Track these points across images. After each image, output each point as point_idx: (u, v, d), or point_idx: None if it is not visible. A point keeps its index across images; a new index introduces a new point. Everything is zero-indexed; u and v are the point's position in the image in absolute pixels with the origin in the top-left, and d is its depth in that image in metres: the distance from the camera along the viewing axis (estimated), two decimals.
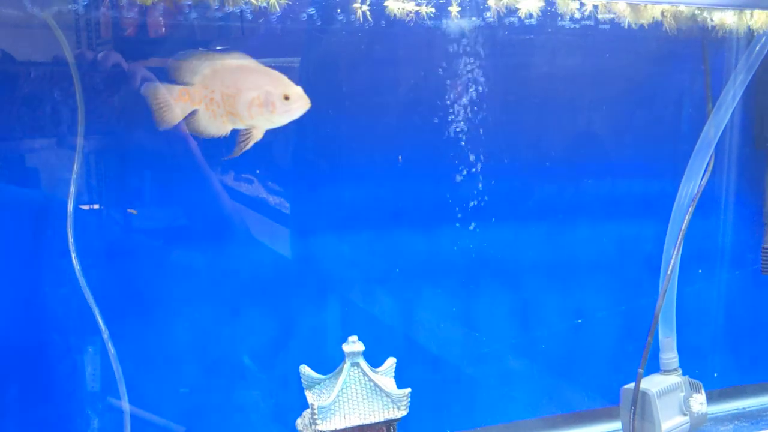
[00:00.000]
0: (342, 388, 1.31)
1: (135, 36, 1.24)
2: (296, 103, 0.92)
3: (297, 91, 0.92)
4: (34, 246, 1.25)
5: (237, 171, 1.44)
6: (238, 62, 0.93)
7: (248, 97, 0.90)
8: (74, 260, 1.20)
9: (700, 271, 1.79)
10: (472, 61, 1.52)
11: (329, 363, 1.35)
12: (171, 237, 1.39)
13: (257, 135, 0.95)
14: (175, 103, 0.94)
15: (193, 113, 0.93)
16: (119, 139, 1.28)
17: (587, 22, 1.38)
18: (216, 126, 0.93)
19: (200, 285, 1.42)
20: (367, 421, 1.30)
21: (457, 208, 1.61)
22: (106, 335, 1.25)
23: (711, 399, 1.78)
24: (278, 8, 1.09)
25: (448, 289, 1.65)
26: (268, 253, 1.49)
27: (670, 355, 1.63)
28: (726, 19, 1.48)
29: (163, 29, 1.23)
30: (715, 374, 1.83)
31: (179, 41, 1.29)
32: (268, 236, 1.50)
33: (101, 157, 1.28)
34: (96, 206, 1.28)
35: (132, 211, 1.24)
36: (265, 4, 1.03)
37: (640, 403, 1.56)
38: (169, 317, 1.39)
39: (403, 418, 1.40)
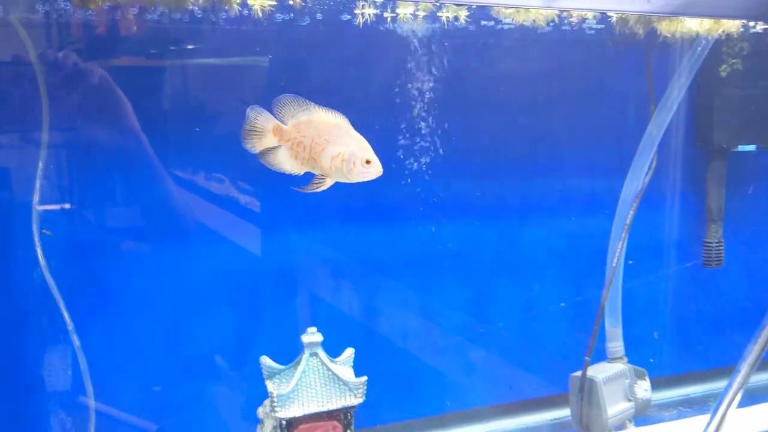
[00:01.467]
0: (300, 377, 1.36)
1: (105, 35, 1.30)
2: (373, 169, 1.04)
3: (376, 159, 1.03)
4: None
5: (208, 171, 1.49)
6: (334, 119, 1.04)
7: (335, 152, 1.01)
8: (40, 255, 1.25)
9: (630, 262, 1.82)
10: (427, 67, 1.58)
11: (293, 354, 1.41)
12: (135, 233, 1.43)
13: (329, 183, 1.06)
14: (267, 134, 1.05)
15: (275, 148, 1.03)
16: (82, 136, 1.33)
17: (540, 27, 1.45)
18: (292, 165, 1.04)
19: (167, 280, 1.46)
20: (325, 408, 1.36)
21: (417, 205, 1.67)
22: (71, 327, 1.29)
23: (657, 386, 1.86)
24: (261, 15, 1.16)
25: (408, 283, 1.70)
26: (233, 249, 1.53)
27: (615, 344, 1.72)
28: (669, 25, 1.56)
29: (134, 28, 1.30)
30: (651, 360, 1.89)
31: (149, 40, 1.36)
32: (233, 232, 1.53)
33: (65, 154, 1.32)
34: (62, 204, 1.32)
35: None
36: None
37: (588, 390, 1.64)
38: (135, 309, 1.43)
39: (364, 406, 1.46)
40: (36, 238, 1.25)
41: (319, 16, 1.31)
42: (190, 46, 1.44)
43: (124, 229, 1.42)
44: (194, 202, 1.48)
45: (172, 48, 1.40)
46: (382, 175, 1.57)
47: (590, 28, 1.53)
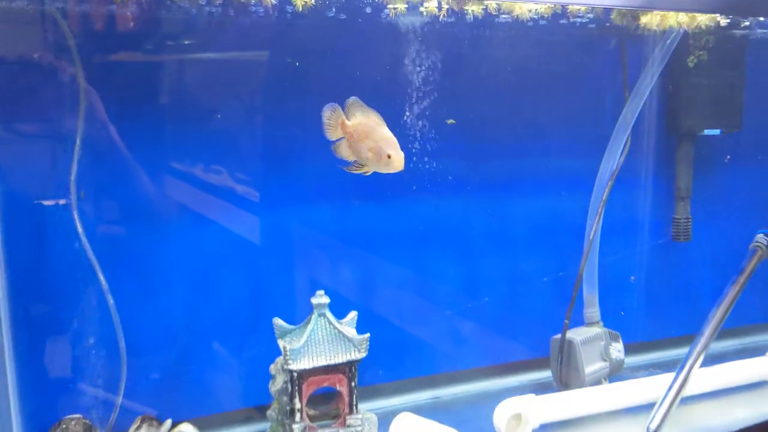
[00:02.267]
0: (310, 335, 1.51)
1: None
2: (395, 163, 1.25)
3: (397, 156, 1.24)
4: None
5: (225, 150, 1.62)
6: (375, 119, 1.28)
7: (369, 145, 1.25)
8: (78, 226, 1.40)
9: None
10: (420, 56, 1.72)
11: (300, 319, 1.56)
12: (159, 208, 1.56)
13: (368, 170, 1.30)
14: (336, 126, 1.30)
15: (341, 139, 1.28)
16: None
17: (527, 19, 1.59)
18: (347, 154, 1.28)
19: (189, 249, 1.59)
20: (332, 362, 1.51)
21: (412, 184, 1.78)
22: (105, 287, 1.44)
23: (631, 351, 2.02)
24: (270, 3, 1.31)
25: (404, 255, 1.82)
26: (248, 222, 1.65)
27: (592, 310, 1.87)
28: (643, 18, 1.72)
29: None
30: (622, 312, 2.04)
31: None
32: (248, 208, 1.65)
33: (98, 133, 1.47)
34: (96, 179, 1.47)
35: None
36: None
37: (567, 350, 1.80)
38: (161, 275, 1.57)
39: (363, 368, 1.60)
40: (74, 208, 1.40)
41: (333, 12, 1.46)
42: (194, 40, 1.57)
43: (150, 205, 1.55)
44: (213, 182, 1.61)
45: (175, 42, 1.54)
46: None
47: (573, 22, 1.67)
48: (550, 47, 1.85)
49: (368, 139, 1.25)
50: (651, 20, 1.71)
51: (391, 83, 1.70)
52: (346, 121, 1.29)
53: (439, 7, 1.51)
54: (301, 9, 1.39)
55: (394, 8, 1.50)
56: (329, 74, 1.66)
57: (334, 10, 1.49)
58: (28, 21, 1.39)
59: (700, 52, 1.89)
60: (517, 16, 1.56)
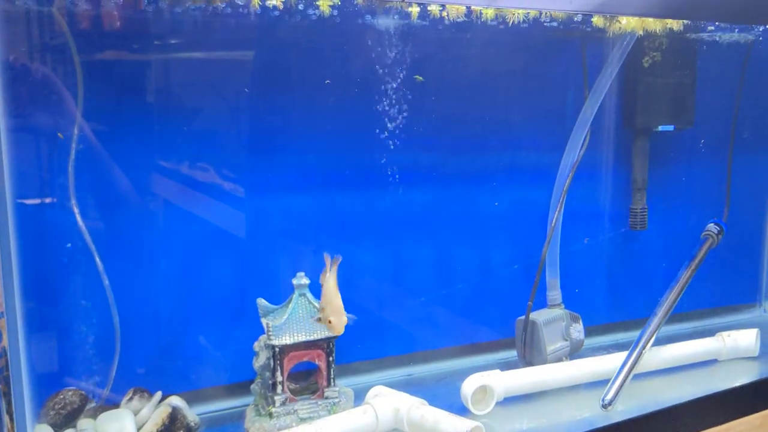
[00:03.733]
0: (291, 313, 1.63)
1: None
2: (333, 328, 1.51)
3: (337, 324, 1.50)
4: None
5: (213, 142, 1.73)
6: (333, 287, 1.54)
7: (322, 305, 1.55)
8: (75, 209, 1.50)
9: (586, 240, 2.16)
10: (395, 54, 1.84)
11: (282, 300, 1.67)
12: (154, 196, 1.67)
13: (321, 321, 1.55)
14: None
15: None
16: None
17: (493, 23, 1.72)
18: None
19: (179, 234, 1.69)
20: (312, 338, 1.62)
21: (389, 175, 1.89)
22: (101, 268, 1.55)
23: (592, 333, 2.16)
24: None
25: (381, 242, 1.93)
26: (231, 211, 1.75)
27: (554, 293, 2.00)
28: (600, 22, 1.85)
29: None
30: (579, 300, 2.13)
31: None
32: (232, 198, 1.75)
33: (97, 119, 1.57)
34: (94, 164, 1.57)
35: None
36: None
37: (530, 330, 1.93)
38: (152, 257, 1.67)
39: (343, 347, 1.73)
40: (72, 191, 1.50)
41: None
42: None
43: (143, 190, 1.66)
44: (201, 171, 1.72)
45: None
46: (362, 146, 1.86)
47: (538, 23, 1.80)
48: (516, 47, 1.97)
49: (325, 298, 1.53)
50: (609, 25, 1.84)
51: (367, 79, 1.82)
52: (327, 273, 1.56)
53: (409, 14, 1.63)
54: (282, 8, 1.51)
55: (372, 12, 1.63)
56: (310, 69, 1.77)
57: (315, 12, 1.60)
58: (27, 18, 1.49)
59: (655, 53, 2.03)
60: (486, 18, 1.69)
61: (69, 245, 1.54)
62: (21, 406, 1.18)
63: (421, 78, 1.80)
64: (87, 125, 1.54)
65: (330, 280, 1.54)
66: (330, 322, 1.50)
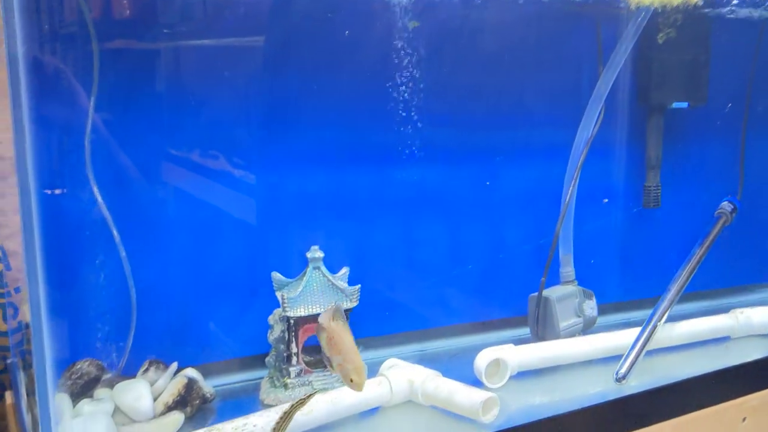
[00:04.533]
0: (306, 285, 1.63)
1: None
2: (354, 386, 1.35)
3: (358, 381, 1.34)
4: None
5: (229, 115, 1.73)
6: (348, 339, 1.37)
7: (338, 361, 1.37)
8: (93, 185, 1.52)
9: (605, 200, 2.16)
10: (412, 31, 1.84)
11: (296, 274, 1.67)
12: (170, 171, 1.68)
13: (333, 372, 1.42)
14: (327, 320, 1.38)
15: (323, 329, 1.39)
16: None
17: None
18: (323, 346, 1.40)
19: (195, 207, 1.70)
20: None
21: (402, 151, 1.89)
22: (117, 240, 1.56)
23: (604, 311, 2.16)
24: None
25: (395, 218, 1.93)
26: (244, 184, 1.75)
27: (567, 269, 2.01)
28: None
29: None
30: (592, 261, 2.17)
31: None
32: (246, 170, 1.76)
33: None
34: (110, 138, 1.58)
35: None
36: None
37: (543, 306, 1.93)
38: (168, 233, 1.68)
39: (357, 323, 1.73)
40: (88, 166, 1.52)
41: None
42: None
43: (159, 165, 1.67)
44: (218, 144, 1.72)
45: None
46: (376, 122, 1.87)
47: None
48: (531, 23, 1.96)
49: (339, 355, 1.36)
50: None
51: (382, 55, 1.81)
52: (331, 321, 1.38)
53: None
54: None
55: None
56: (326, 40, 1.78)
57: None
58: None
59: (669, 29, 2.02)
60: None
61: (85, 215, 1.55)
62: (43, 381, 1.19)
63: (416, 23, 1.77)
64: (102, 104, 1.55)
65: (342, 331, 1.36)
66: (351, 381, 1.34)
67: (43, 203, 1.48)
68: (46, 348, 1.20)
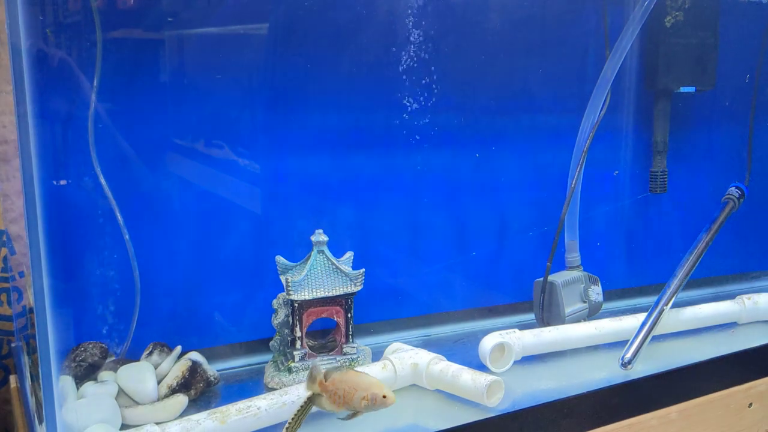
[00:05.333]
0: (310, 269, 1.63)
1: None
2: (388, 401, 1.31)
3: (389, 393, 1.30)
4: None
5: (233, 99, 1.72)
6: (353, 374, 1.32)
7: (361, 395, 1.30)
8: (97, 168, 1.51)
9: (616, 172, 2.15)
10: (417, 18, 1.82)
11: (301, 258, 1.67)
12: (175, 155, 1.67)
13: (359, 414, 1.34)
14: (314, 383, 1.32)
15: (320, 395, 1.32)
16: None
17: None
18: (332, 408, 1.32)
19: (200, 191, 1.70)
20: (330, 294, 1.62)
21: (407, 136, 1.88)
22: (121, 223, 1.56)
23: (610, 297, 2.15)
24: None
25: (398, 204, 1.92)
26: (252, 171, 1.75)
27: (573, 255, 1.99)
28: None
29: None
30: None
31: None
32: (250, 156, 1.75)
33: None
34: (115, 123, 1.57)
35: None
36: None
37: (548, 291, 1.92)
38: (172, 217, 1.68)
39: (361, 308, 1.73)
40: (92, 149, 1.51)
41: None
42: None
43: (163, 148, 1.66)
44: (223, 128, 1.71)
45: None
46: (380, 106, 1.85)
47: None
48: (538, 5, 1.95)
49: (359, 391, 1.31)
50: None
51: (386, 39, 1.81)
52: (324, 381, 1.33)
53: None
54: None
55: None
56: (329, 23, 1.76)
57: None
58: None
59: (677, 13, 2.00)
60: None
61: (89, 199, 1.55)
62: (47, 364, 1.19)
63: None
64: (105, 91, 1.54)
65: (340, 382, 1.31)
66: (385, 396, 1.30)
67: (47, 188, 1.50)
68: (50, 332, 1.19)
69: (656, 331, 1.81)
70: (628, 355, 1.71)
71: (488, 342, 1.68)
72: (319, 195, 1.85)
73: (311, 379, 1.32)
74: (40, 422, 1.21)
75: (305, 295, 1.61)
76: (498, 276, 2.08)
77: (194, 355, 1.61)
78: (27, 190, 1.17)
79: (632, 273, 2.25)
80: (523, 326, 1.99)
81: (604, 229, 2.19)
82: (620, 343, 1.79)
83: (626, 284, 2.24)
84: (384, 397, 1.30)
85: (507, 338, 1.70)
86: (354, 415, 1.33)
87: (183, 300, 1.71)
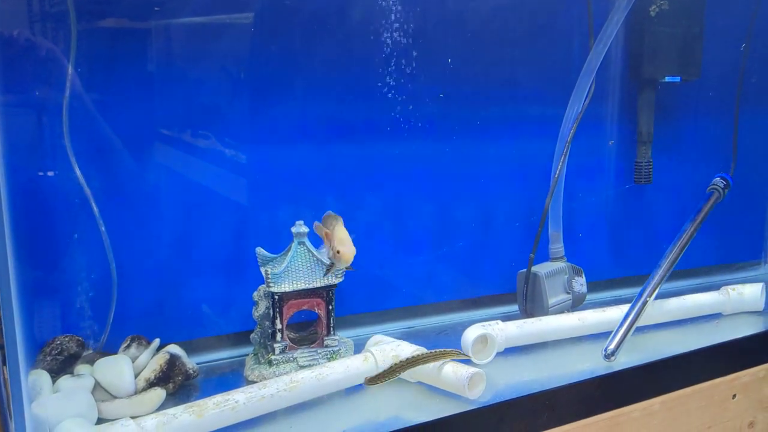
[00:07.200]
0: (290, 261, 1.61)
1: None
2: (343, 257, 1.48)
3: (345, 251, 1.47)
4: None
5: (213, 89, 1.69)
6: (337, 228, 1.52)
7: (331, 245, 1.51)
8: (72, 158, 1.48)
9: (611, 142, 2.14)
10: (398, 5, 1.80)
11: (281, 250, 1.65)
12: (153, 145, 1.65)
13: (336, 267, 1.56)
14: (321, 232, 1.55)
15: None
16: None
17: None
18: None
19: (179, 182, 1.67)
20: (311, 286, 1.61)
21: (390, 126, 1.86)
22: (97, 214, 1.53)
23: (595, 288, 2.15)
24: None
25: (381, 194, 1.90)
26: (233, 160, 1.72)
27: (557, 246, 1.99)
28: None
29: None
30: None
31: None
32: (231, 145, 1.72)
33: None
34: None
35: None
36: None
37: (532, 283, 1.91)
38: (149, 207, 1.65)
39: (344, 299, 1.72)
40: (67, 138, 1.48)
41: None
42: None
43: (139, 139, 1.62)
44: (202, 118, 1.69)
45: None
46: (362, 96, 1.83)
47: None
48: None
49: (333, 238, 1.51)
50: None
51: (370, 30, 1.78)
52: (325, 229, 1.55)
53: None
54: None
55: None
56: (315, 16, 1.74)
57: None
58: None
59: (662, 2, 1.98)
60: None
61: (64, 190, 1.52)
62: (14, 358, 1.17)
63: None
64: (82, 78, 1.51)
65: (337, 224, 1.53)
66: (338, 252, 1.47)
67: (17, 178, 1.47)
68: (17, 325, 1.17)
69: (640, 322, 1.80)
70: (612, 347, 1.70)
71: (471, 333, 1.66)
72: (301, 185, 1.82)
73: (319, 230, 1.55)
74: (11, 417, 1.18)
75: (285, 287, 1.59)
76: (482, 267, 2.06)
77: (173, 348, 1.59)
78: None
79: (616, 264, 2.24)
80: (507, 317, 1.98)
81: (589, 219, 2.18)
82: (604, 335, 1.78)
83: (610, 275, 2.23)
84: (338, 252, 1.47)
85: (489, 330, 1.69)
86: (330, 267, 1.56)
87: (163, 292, 1.69)
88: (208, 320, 1.75)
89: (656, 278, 1.87)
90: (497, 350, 1.70)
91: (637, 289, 1.91)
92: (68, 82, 1.48)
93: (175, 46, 1.65)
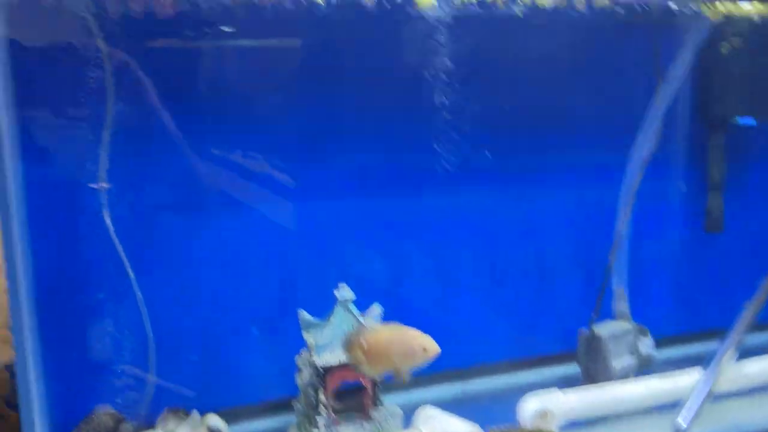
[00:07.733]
0: (334, 330, 1.52)
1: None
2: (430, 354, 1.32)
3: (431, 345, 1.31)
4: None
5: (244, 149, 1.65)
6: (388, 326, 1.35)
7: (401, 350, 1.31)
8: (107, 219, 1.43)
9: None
10: (446, 45, 1.70)
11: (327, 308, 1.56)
12: (190, 199, 1.60)
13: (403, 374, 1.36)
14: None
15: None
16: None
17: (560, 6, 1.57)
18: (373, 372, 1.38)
19: (218, 239, 1.62)
20: None
21: (438, 175, 1.73)
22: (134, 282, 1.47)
23: (661, 344, 1.99)
24: None
25: (431, 246, 1.82)
26: (273, 217, 1.67)
27: (621, 303, 1.86)
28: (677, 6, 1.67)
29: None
30: (648, 309, 1.98)
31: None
32: (272, 205, 1.67)
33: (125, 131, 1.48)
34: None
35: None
36: None
37: (594, 345, 1.78)
38: (188, 270, 1.60)
39: None
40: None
41: None
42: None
43: (175, 201, 1.57)
44: (245, 171, 1.63)
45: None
46: (411, 145, 1.73)
47: (606, 11, 1.64)
48: (577, 35, 1.81)
49: (395, 345, 1.30)
50: (684, 8, 1.67)
51: (419, 73, 1.69)
52: (363, 344, 1.32)
53: None
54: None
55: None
56: (362, 62, 1.68)
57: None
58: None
59: (734, 38, 1.84)
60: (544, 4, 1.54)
61: (100, 256, 1.47)
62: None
63: None
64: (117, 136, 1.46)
65: (378, 342, 1.31)
66: (425, 350, 1.28)
67: (51, 246, 1.42)
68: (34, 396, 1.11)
69: (716, 389, 1.65)
70: (682, 420, 1.56)
71: (528, 408, 1.54)
72: (348, 239, 1.75)
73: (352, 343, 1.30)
74: None
75: (330, 360, 1.50)
76: (539, 324, 1.95)
77: (212, 420, 1.52)
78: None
79: (685, 318, 2.10)
80: (567, 379, 1.87)
81: (655, 270, 2.05)
82: (675, 404, 1.64)
83: (679, 330, 2.08)
84: (424, 350, 1.26)
85: (548, 402, 1.56)
86: (399, 374, 1.28)
87: (201, 357, 1.63)
88: (250, 386, 1.68)
89: (732, 339, 1.71)
90: (558, 423, 1.57)
91: (707, 345, 1.77)
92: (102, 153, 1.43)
93: (216, 100, 1.59)
